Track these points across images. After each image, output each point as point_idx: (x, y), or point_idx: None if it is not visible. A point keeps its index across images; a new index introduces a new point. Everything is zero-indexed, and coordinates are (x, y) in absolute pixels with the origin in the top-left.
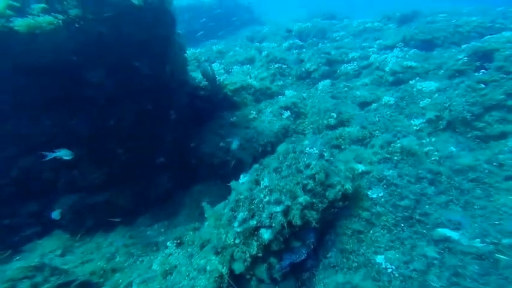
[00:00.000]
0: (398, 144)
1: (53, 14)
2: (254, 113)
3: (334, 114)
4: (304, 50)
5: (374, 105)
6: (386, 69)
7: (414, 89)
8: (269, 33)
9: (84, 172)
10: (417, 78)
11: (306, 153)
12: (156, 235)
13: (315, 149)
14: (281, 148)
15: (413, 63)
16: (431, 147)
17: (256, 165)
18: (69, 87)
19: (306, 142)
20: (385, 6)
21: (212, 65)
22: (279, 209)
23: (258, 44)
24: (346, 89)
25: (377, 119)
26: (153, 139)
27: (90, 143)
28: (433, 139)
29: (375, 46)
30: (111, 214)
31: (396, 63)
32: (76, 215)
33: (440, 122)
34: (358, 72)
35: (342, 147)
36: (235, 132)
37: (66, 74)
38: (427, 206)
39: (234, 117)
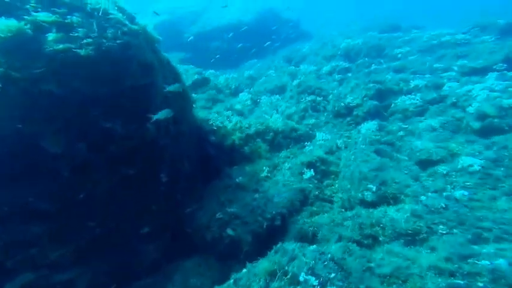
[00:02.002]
0: (486, 263)
1: None
2: (266, 169)
3: (373, 187)
4: (349, 74)
5: (443, 167)
6: (470, 109)
7: None
8: (309, 53)
9: (45, 250)
10: None
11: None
12: None
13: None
14: (264, 265)
15: None
16: None
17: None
18: (26, 160)
19: (305, 260)
20: (472, 13)
21: (240, 95)
22: None
23: (294, 67)
24: (401, 133)
25: (443, 203)
26: (137, 208)
27: (54, 219)
28: None
29: (455, 68)
30: None
31: (488, 99)
32: None
33: None
34: (422, 108)
35: (380, 239)
36: (240, 197)
37: (19, 146)
38: None
39: (240, 177)
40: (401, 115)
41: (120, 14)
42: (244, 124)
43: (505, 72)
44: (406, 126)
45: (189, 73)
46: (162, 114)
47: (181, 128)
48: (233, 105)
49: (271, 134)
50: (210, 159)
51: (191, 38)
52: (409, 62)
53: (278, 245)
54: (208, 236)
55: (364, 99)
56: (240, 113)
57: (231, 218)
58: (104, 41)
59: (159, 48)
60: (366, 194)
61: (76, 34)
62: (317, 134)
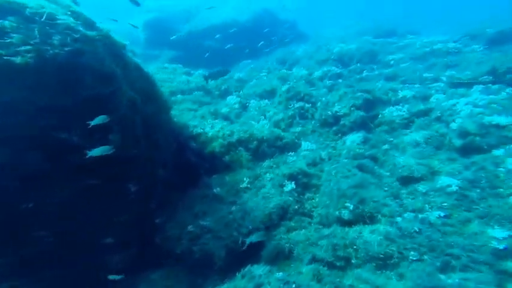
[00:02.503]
0: None
1: None
2: (247, 180)
3: (351, 205)
4: (340, 80)
5: (422, 186)
6: (453, 125)
7: (501, 169)
8: (303, 56)
9: None
10: (509, 146)
11: None
12: None
13: None
14: None
15: (503, 120)
16: None
17: None
18: None
19: None
20: (470, 20)
21: (228, 98)
22: None
23: (286, 70)
24: (386, 146)
25: (416, 227)
26: (102, 217)
27: None
28: None
29: (444, 79)
30: None
31: (471, 116)
32: None
33: None
34: (408, 121)
35: (353, 262)
36: (216, 209)
37: None
38: None
39: (218, 188)
40: (388, 127)
41: (72, 19)
42: (226, 131)
43: (490, 85)
44: (392, 139)
45: (176, 72)
46: (98, 151)
47: (153, 136)
48: (219, 109)
49: (254, 142)
50: (190, 167)
51: (181, 35)
52: (401, 69)
53: (246, 268)
54: (178, 249)
55: (352, 108)
56: (226, 118)
57: (203, 232)
58: (48, 48)
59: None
60: (343, 212)
61: (9, 40)
62: (303, 143)
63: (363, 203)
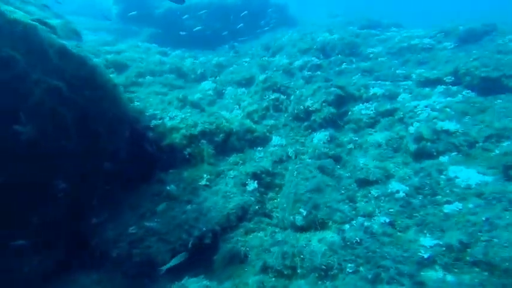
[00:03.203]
0: None
1: None
2: (206, 177)
3: (304, 211)
4: (319, 72)
5: (375, 191)
6: (411, 128)
7: (442, 176)
8: (288, 43)
9: None
10: (454, 154)
11: None
12: None
13: None
14: None
15: (453, 127)
16: None
17: None
18: None
19: None
20: (458, 12)
21: (203, 83)
22: None
23: (267, 58)
24: (351, 146)
25: (358, 237)
26: (20, 217)
27: None
28: None
29: (414, 76)
30: None
31: (427, 121)
32: None
33: (469, 257)
34: (375, 120)
35: (298, 272)
36: (169, 207)
37: None
38: None
39: (173, 185)
40: (355, 125)
41: None
42: (190, 122)
43: (450, 87)
44: (357, 138)
45: (150, 52)
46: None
47: (92, 126)
48: (191, 94)
49: (221, 135)
50: (145, 159)
51: (160, 12)
52: (378, 64)
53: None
54: (114, 253)
55: (323, 104)
56: (196, 105)
57: (147, 234)
58: None
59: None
60: (297, 217)
61: None
62: (273, 137)
63: (316, 209)
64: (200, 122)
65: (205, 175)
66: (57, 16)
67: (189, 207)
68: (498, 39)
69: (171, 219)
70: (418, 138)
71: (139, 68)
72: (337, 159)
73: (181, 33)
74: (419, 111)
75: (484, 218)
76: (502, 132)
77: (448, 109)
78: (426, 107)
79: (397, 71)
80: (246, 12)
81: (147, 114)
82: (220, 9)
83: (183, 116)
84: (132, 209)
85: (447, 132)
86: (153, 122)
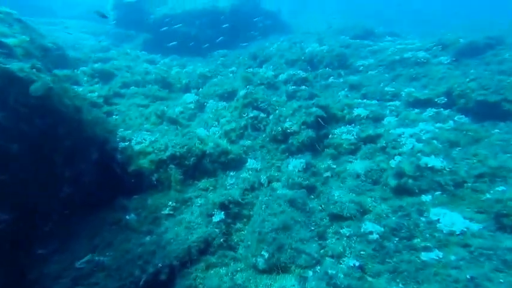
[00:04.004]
0: None
1: None
2: (172, 205)
3: (266, 254)
4: (304, 87)
5: (347, 229)
6: (392, 162)
7: (422, 218)
8: (276, 53)
9: None
10: (438, 193)
11: None
12: None
13: None
14: None
15: (439, 163)
16: None
17: None
18: None
19: None
20: (461, 21)
21: (185, 95)
22: None
23: (252, 69)
24: (328, 174)
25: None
26: None
27: None
28: None
29: (403, 95)
30: None
31: (411, 155)
32: None
33: None
34: (356, 147)
35: None
36: (126, 238)
37: None
38: None
39: (133, 214)
40: (335, 151)
41: None
42: (160, 145)
43: (441, 110)
44: (335, 166)
45: (138, 60)
46: None
47: (47, 152)
48: (171, 108)
49: (192, 159)
50: (111, 182)
51: (155, 18)
52: (367, 78)
53: None
54: None
55: (302, 127)
56: (173, 121)
57: (95, 270)
58: None
59: None
60: (259, 260)
61: None
62: (249, 160)
63: (280, 251)
64: (171, 146)
65: (170, 203)
66: (26, 31)
67: (148, 238)
68: (504, 53)
69: (125, 252)
70: (400, 174)
71: (125, 77)
72: (311, 189)
73: (169, 44)
74: (403, 141)
75: (468, 276)
76: (496, 171)
77: (435, 141)
78: (411, 136)
79: (386, 88)
80: (237, 19)
81: (119, 134)
82: (212, 16)
83: (152, 138)
84: (88, 238)
85: (432, 169)
86: (121, 145)
